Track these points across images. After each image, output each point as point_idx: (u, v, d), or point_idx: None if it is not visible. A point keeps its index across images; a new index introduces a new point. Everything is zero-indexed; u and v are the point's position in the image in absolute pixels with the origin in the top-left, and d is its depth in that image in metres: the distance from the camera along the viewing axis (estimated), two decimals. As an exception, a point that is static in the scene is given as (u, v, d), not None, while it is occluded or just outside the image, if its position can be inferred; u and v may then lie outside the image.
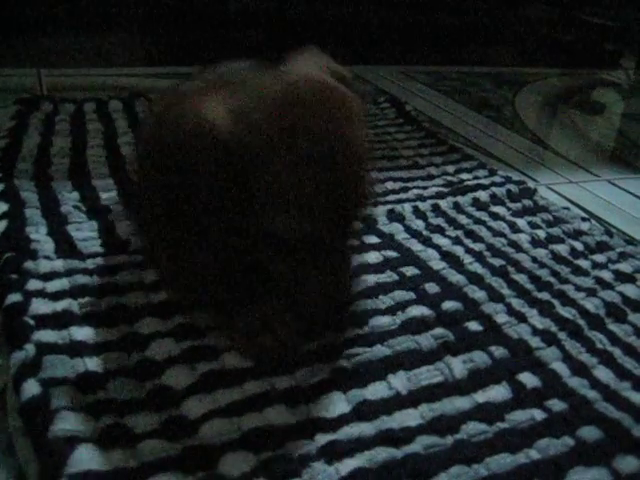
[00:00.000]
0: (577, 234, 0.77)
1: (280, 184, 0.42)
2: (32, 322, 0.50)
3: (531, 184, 0.91)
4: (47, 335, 0.49)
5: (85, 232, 0.64)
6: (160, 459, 0.39)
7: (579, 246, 0.74)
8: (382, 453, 0.42)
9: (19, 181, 0.72)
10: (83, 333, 0.50)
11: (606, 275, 0.68)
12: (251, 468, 0.40)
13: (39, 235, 0.62)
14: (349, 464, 0.41)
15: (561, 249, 0.72)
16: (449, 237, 0.72)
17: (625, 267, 0.70)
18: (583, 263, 0.70)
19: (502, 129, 1.18)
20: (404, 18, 1.73)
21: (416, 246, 0.69)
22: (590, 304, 0.62)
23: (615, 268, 0.70)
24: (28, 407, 0.42)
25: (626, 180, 1.01)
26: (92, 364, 0.47)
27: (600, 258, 0.72)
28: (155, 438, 0.41)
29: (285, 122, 0.42)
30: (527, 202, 0.83)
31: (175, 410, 0.44)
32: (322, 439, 0.43)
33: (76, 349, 0.48)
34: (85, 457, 0.38)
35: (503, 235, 0.74)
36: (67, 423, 0.41)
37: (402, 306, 0.58)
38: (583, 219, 0.81)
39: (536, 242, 0.74)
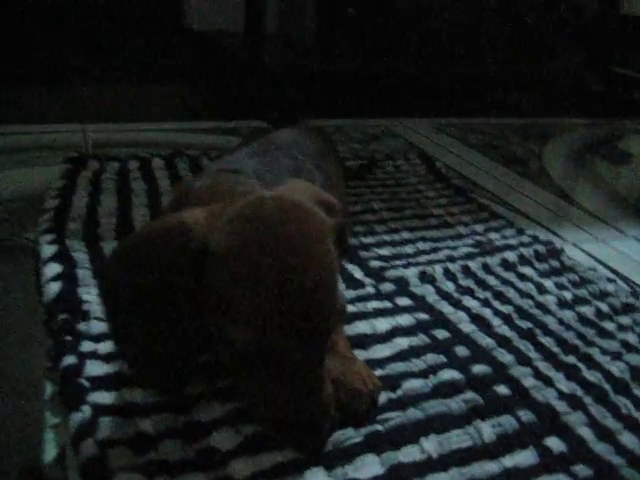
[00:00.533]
0: (603, 295, 0.79)
1: (231, 294, 0.44)
2: (87, 384, 0.53)
3: (558, 242, 0.93)
4: (102, 397, 0.52)
5: (133, 293, 0.67)
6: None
7: (605, 308, 0.76)
8: (415, 517, 0.45)
9: (70, 242, 0.76)
10: (134, 395, 0.53)
11: (631, 338, 0.70)
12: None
13: (90, 296, 0.66)
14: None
15: (587, 311, 0.75)
16: (478, 299, 0.75)
17: (650, 330, 0.72)
18: (609, 325, 0.73)
19: (529, 184, 1.21)
20: (433, 71, 1.77)
21: (447, 308, 0.72)
22: (615, 368, 0.65)
23: (640, 331, 0.72)
24: (88, 467, 0.45)
25: (652, 237, 1.03)
26: (144, 425, 0.50)
27: (625, 320, 0.74)
28: (205, 499, 0.44)
29: (244, 236, 0.44)
30: (554, 263, 0.86)
31: (222, 471, 0.47)
32: (359, 501, 0.45)
33: (129, 411, 0.51)
34: (141, 517, 0.42)
35: (531, 297, 0.77)
36: (124, 483, 0.44)
37: (433, 369, 0.61)
38: (609, 280, 0.83)
39: (563, 304, 0.76)
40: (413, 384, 0.58)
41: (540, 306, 0.75)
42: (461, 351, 0.64)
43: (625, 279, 0.87)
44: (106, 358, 0.57)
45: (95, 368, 0.55)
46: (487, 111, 1.74)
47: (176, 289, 0.45)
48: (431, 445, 0.52)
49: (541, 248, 0.88)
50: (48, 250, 0.73)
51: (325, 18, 1.64)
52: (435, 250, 0.86)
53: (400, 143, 1.37)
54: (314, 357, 0.45)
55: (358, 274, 0.77)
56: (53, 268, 0.70)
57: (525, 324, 0.71)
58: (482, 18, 1.82)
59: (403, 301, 0.72)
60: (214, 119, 1.41)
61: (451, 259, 0.84)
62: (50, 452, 0.49)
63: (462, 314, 0.71)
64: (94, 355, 0.57)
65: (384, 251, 0.84)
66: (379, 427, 0.53)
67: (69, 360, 0.56)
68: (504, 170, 1.28)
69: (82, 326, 0.61)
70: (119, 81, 1.72)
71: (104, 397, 0.52)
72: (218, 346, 0.48)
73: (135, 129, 1.29)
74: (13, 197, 0.93)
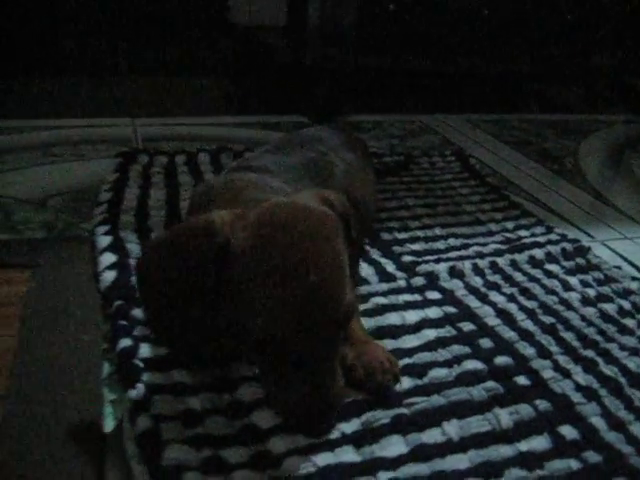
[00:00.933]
0: (626, 293, 0.83)
1: (247, 288, 0.49)
2: (141, 364, 0.59)
3: (587, 240, 0.97)
4: (154, 377, 0.58)
5: (182, 282, 0.73)
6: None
7: (627, 305, 0.80)
8: (434, 492, 0.50)
9: (124, 233, 0.83)
10: (183, 376, 0.59)
11: (650, 335, 0.74)
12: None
13: (143, 284, 0.71)
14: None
15: (609, 308, 0.78)
16: (505, 294, 0.79)
17: (670, 328, 0.76)
18: (629, 322, 0.76)
19: (562, 182, 1.24)
20: (471, 67, 1.80)
21: (474, 302, 0.76)
22: (632, 363, 0.68)
23: (659, 328, 0.75)
24: (143, 438, 0.51)
25: (682, 237, 1.06)
26: (192, 403, 0.56)
27: (646, 318, 0.78)
28: (245, 469, 0.50)
29: (259, 238, 0.50)
30: (580, 260, 0.89)
31: (261, 446, 0.52)
32: (383, 476, 0.50)
33: (179, 389, 0.57)
34: (190, 482, 0.47)
35: (555, 293, 0.81)
36: (176, 453, 0.50)
37: (458, 360, 0.65)
38: (633, 278, 0.86)
39: (586, 300, 0.80)
40: (438, 373, 0.63)
41: (564, 302, 0.79)
42: (485, 343, 0.69)
43: (650, 277, 0.90)
44: (157, 341, 0.63)
45: (148, 350, 0.61)
46: (524, 107, 1.76)
47: (201, 280, 0.50)
48: (452, 429, 0.56)
49: (568, 246, 0.92)
50: (103, 241, 0.80)
51: (366, 14, 1.68)
52: (465, 246, 0.90)
53: (437, 139, 1.41)
54: (323, 348, 0.50)
55: (390, 268, 0.82)
56: (108, 258, 0.76)
57: (548, 319, 0.75)
58: (522, 14, 1.84)
59: (432, 295, 0.77)
60: (257, 113, 1.47)
61: (480, 255, 0.88)
62: (109, 424, 0.55)
63: (488, 308, 0.75)
64: (147, 339, 0.63)
65: (416, 246, 0.88)
66: (405, 410, 0.58)
67: (125, 343, 0.62)
68: (538, 167, 1.30)
69: (136, 312, 0.67)
70: (167, 75, 1.78)
71: (156, 377, 0.58)
72: (237, 335, 0.53)
73: (181, 123, 1.35)
74: (70, 189, 0.99)
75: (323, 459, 0.51)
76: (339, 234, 0.53)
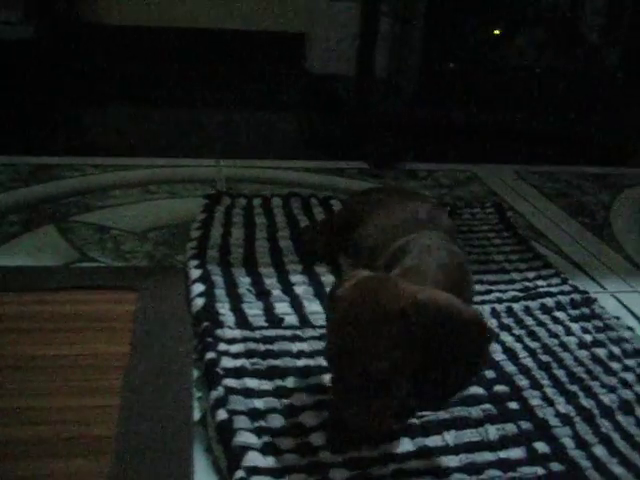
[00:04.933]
0: (619, 340, 0.99)
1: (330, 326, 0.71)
2: (222, 372, 0.80)
3: (598, 291, 1.13)
4: (231, 382, 0.79)
5: (254, 310, 0.94)
6: (294, 466, 0.68)
7: (616, 351, 0.96)
8: (428, 480, 0.69)
9: (210, 266, 1.04)
10: (252, 383, 0.79)
11: (630, 377, 0.90)
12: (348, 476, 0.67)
13: (225, 310, 0.93)
14: (407, 484, 0.68)
15: (600, 352, 0.95)
16: (514, 335, 0.97)
17: (648, 372, 0.92)
18: (615, 365, 0.93)
19: (590, 236, 1.40)
20: (521, 120, 1.96)
21: (485, 341, 0.94)
22: (607, 398, 0.85)
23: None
24: (221, 426, 0.72)
25: (687, 293, 1.21)
26: (257, 404, 0.76)
27: (630, 362, 0.94)
28: (292, 453, 0.69)
29: (348, 297, 0.69)
30: (585, 310, 1.06)
31: (305, 438, 0.72)
32: (393, 466, 0.69)
33: (247, 393, 0.77)
34: (253, 458, 0.67)
35: (557, 336, 0.98)
36: (243, 437, 0.70)
37: (464, 386, 0.83)
38: (628, 327, 1.02)
39: (582, 344, 0.96)
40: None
41: (562, 345, 0.96)
42: (489, 374, 0.87)
43: (647, 328, 1.06)
44: (234, 356, 0.83)
45: (227, 362, 0.82)
46: (570, 160, 1.91)
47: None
48: (450, 437, 0.75)
49: (577, 297, 1.08)
50: (194, 273, 1.01)
51: (428, 70, 1.87)
52: (488, 292, 1.08)
53: (483, 190, 1.58)
54: (355, 382, 0.67)
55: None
56: (198, 287, 0.97)
57: (546, 358, 0.92)
58: (572, 71, 1.99)
59: (452, 332, 0.95)
60: (324, 159, 1.68)
61: (500, 300, 1.05)
62: (196, 415, 0.76)
63: (497, 346, 0.93)
64: (227, 353, 0.84)
65: (446, 290, 1.07)
66: (416, 421, 0.76)
67: (210, 355, 0.83)
68: (571, 221, 1.46)
69: (219, 332, 0.87)
70: (250, 115, 2.01)
71: (232, 382, 0.78)
72: None
73: (259, 166, 1.57)
74: (166, 224, 1.22)
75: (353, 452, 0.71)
76: (387, 318, 0.67)
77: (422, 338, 0.66)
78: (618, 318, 1.05)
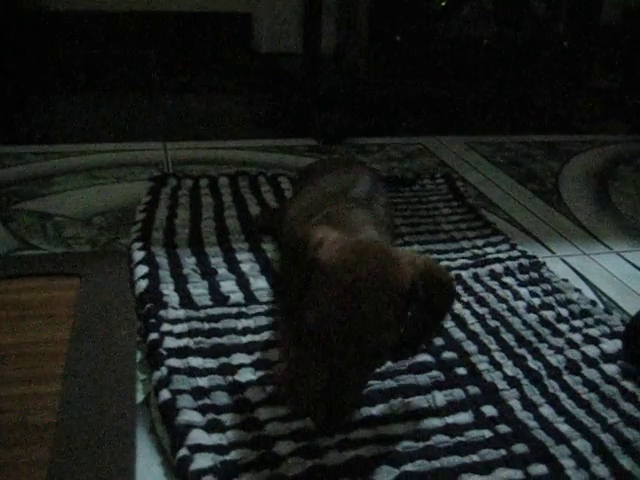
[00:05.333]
0: (567, 302, 0.99)
1: (314, 292, 0.65)
2: (165, 352, 0.78)
3: (547, 255, 1.14)
4: (174, 362, 0.77)
5: (199, 289, 0.93)
6: (239, 441, 0.67)
7: (564, 312, 0.97)
8: (374, 449, 0.68)
9: (154, 248, 1.02)
10: (196, 362, 0.78)
11: (577, 337, 0.91)
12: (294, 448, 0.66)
13: (169, 291, 0.91)
14: (354, 452, 0.67)
15: (548, 315, 0.95)
16: (462, 302, 0.97)
17: (594, 332, 0.92)
18: (562, 327, 0.93)
19: (540, 203, 1.40)
20: (471, 91, 1.97)
21: (433, 309, 0.94)
22: (554, 359, 0.86)
23: (586, 332, 0.92)
24: (164, 406, 0.70)
25: (634, 253, 1.22)
26: (201, 382, 0.75)
27: (578, 323, 0.94)
28: (238, 429, 0.68)
29: (335, 265, 0.65)
30: (534, 274, 1.06)
31: (250, 414, 0.71)
32: (339, 437, 0.69)
33: (191, 372, 0.76)
34: (196, 436, 0.66)
35: (505, 301, 0.98)
36: (186, 416, 0.69)
37: (412, 354, 0.83)
38: (575, 289, 1.03)
39: (530, 308, 0.97)
40: (393, 363, 0.81)
41: (511, 309, 0.96)
42: (437, 341, 0.87)
43: (596, 289, 1.07)
44: (178, 336, 0.82)
45: (170, 342, 0.80)
46: (520, 129, 1.92)
47: (299, 272, 0.68)
48: (398, 405, 0.75)
49: (525, 261, 1.09)
50: (138, 255, 0.99)
51: (375, 44, 1.86)
52: (437, 261, 1.07)
53: (433, 162, 1.58)
54: (352, 358, 0.63)
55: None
56: (142, 269, 0.95)
57: (494, 323, 0.92)
58: (520, 43, 2.00)
59: (400, 302, 0.94)
60: (273, 137, 1.66)
61: (449, 269, 1.05)
62: (140, 396, 0.74)
63: (445, 314, 0.93)
64: (170, 333, 0.82)
65: (395, 261, 1.06)
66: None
67: (153, 336, 0.81)
68: (521, 189, 1.47)
69: (162, 312, 0.86)
70: (197, 97, 1.99)
71: (175, 362, 0.77)
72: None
73: (206, 147, 1.55)
74: (111, 209, 1.19)
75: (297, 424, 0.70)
76: (399, 283, 0.65)
77: (421, 301, 0.67)
78: (566, 280, 1.06)
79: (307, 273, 0.67)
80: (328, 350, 0.64)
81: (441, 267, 0.71)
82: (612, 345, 0.89)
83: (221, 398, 0.73)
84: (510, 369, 0.83)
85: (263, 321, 0.87)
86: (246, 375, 0.77)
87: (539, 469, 0.68)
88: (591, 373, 0.83)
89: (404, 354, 0.75)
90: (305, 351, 0.67)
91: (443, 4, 1.94)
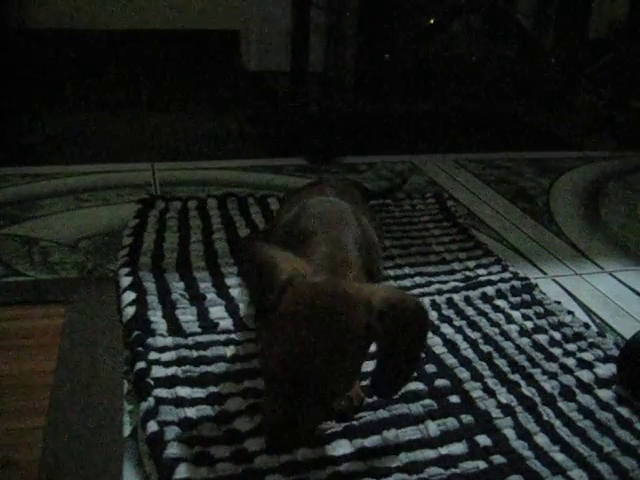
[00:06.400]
0: (560, 325, 0.98)
1: (272, 338, 0.64)
2: (152, 382, 0.77)
3: (539, 276, 1.13)
4: (161, 392, 0.75)
5: (187, 315, 0.91)
6: (229, 475, 0.65)
7: (557, 336, 0.95)
8: (367, 482, 0.67)
9: (142, 273, 1.00)
10: (184, 391, 0.76)
11: (570, 362, 0.90)
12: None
13: (156, 318, 0.89)
14: (345, 488, 0.66)
15: (541, 338, 0.94)
16: (454, 326, 0.95)
17: (588, 356, 0.91)
18: (556, 351, 0.92)
19: (530, 222, 1.40)
20: (457, 108, 1.97)
21: (426, 334, 0.92)
22: (548, 385, 0.84)
23: (580, 356, 0.91)
24: (151, 438, 0.69)
25: (625, 272, 1.21)
26: (189, 413, 0.73)
27: (571, 347, 0.93)
28: (227, 462, 0.67)
29: (291, 310, 0.64)
30: (526, 296, 1.05)
31: (239, 445, 0.69)
32: (330, 469, 0.67)
33: (179, 402, 0.74)
34: (185, 470, 0.65)
35: (498, 325, 0.97)
36: (174, 449, 0.67)
37: (404, 381, 0.82)
38: (568, 312, 1.02)
39: (523, 332, 0.96)
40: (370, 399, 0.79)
41: (503, 334, 0.95)
42: (430, 368, 0.85)
43: (588, 310, 1.06)
44: (166, 364, 0.80)
45: (158, 371, 0.79)
46: (509, 146, 1.92)
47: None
48: (390, 436, 0.73)
49: (517, 283, 1.08)
50: (125, 281, 0.97)
51: (363, 62, 1.86)
52: (429, 284, 1.06)
53: (423, 180, 1.57)
54: (308, 399, 0.63)
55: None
56: (129, 295, 0.94)
57: (487, 348, 0.91)
58: (508, 58, 2.00)
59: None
60: (262, 156, 1.65)
61: (440, 292, 1.04)
62: (127, 429, 0.73)
63: (437, 339, 0.92)
64: (158, 362, 0.80)
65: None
66: (355, 422, 0.74)
67: (140, 365, 0.79)
68: (511, 207, 1.46)
69: (150, 340, 0.84)
70: (184, 115, 1.97)
71: (163, 392, 0.75)
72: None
73: (196, 167, 1.54)
74: (98, 232, 1.18)
75: (285, 457, 0.68)
76: (353, 329, 0.63)
77: (384, 342, 0.65)
78: (559, 303, 1.05)
79: (268, 314, 0.66)
80: (282, 391, 0.63)
81: (406, 300, 0.66)
82: (606, 370, 0.88)
83: (209, 429, 0.71)
84: (504, 396, 0.82)
85: (252, 348, 0.85)
86: (235, 404, 0.75)
87: (535, 501, 0.67)
88: (586, 399, 0.82)
89: (382, 395, 0.73)
90: (268, 386, 0.66)
91: (431, 21, 1.94)
